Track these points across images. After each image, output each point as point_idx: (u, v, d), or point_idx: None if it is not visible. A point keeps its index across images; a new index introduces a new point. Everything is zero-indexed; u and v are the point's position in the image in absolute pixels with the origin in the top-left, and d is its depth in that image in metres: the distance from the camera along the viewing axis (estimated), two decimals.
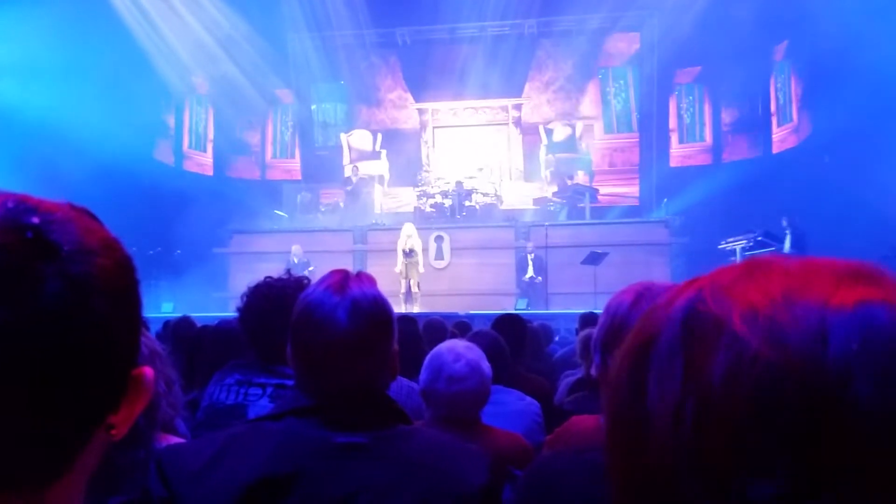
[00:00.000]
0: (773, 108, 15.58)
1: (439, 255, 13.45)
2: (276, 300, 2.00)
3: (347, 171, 16.29)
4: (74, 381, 0.50)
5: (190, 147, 16.98)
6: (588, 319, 5.32)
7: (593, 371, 1.33)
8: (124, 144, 12.41)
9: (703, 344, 0.42)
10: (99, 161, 11.40)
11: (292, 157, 17.85)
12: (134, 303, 0.56)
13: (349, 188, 15.41)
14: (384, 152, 16.95)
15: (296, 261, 12.32)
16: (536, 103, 16.81)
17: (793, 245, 10.98)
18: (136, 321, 0.56)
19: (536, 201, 16.00)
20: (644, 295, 1.24)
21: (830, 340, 0.39)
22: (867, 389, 0.38)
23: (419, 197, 15.29)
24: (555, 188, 15.58)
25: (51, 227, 0.51)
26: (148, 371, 0.57)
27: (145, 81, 14.76)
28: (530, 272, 12.85)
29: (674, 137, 16.55)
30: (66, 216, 0.53)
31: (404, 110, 17.30)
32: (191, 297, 12.34)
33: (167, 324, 4.81)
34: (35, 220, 0.51)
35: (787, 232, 11.12)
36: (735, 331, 0.41)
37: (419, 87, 17.01)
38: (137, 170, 12.93)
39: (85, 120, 11.39)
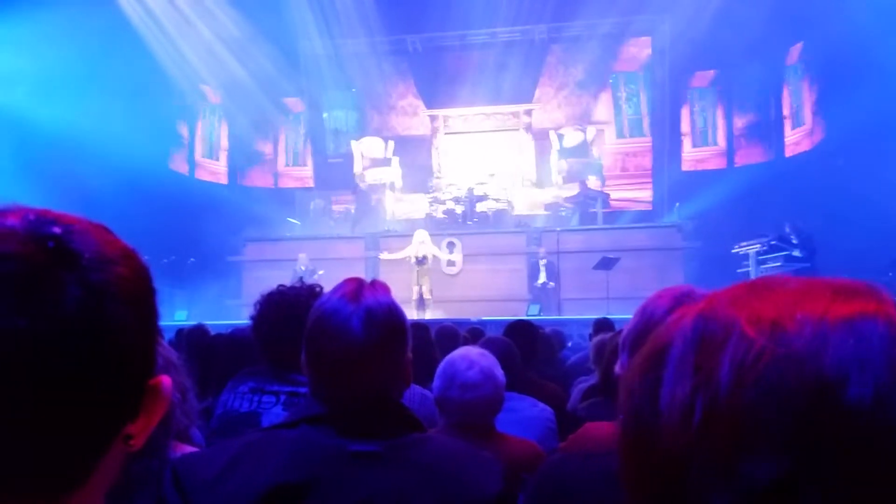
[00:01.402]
0: (786, 111, 15.50)
1: (451, 262, 13.45)
2: (288, 308, 2.01)
3: (359, 178, 16.36)
4: (94, 389, 0.51)
5: (203, 156, 17.09)
6: (602, 325, 5.31)
7: (618, 369, 1.32)
8: (139, 154, 12.51)
9: (712, 346, 0.45)
10: (114, 171, 11.51)
11: (305, 164, 17.91)
12: (151, 311, 0.57)
13: (362, 187, 15.41)
14: (396, 159, 16.97)
15: (302, 268, 12.33)
16: (547, 109, 16.79)
17: (801, 249, 10.89)
18: (153, 330, 0.57)
19: (548, 207, 15.97)
20: (682, 301, 1.23)
21: (830, 343, 0.43)
22: (862, 390, 0.41)
23: (431, 203, 15.30)
24: (566, 193, 15.54)
25: (71, 237, 0.52)
26: (166, 380, 0.58)
27: (159, 91, 14.89)
28: (542, 278, 12.82)
29: (686, 142, 16.48)
30: (86, 228, 0.54)
31: (416, 117, 17.33)
32: (204, 305, 12.40)
33: (181, 332, 4.82)
34: (56, 230, 0.52)
35: (792, 237, 11.03)
36: (742, 331, 0.44)
37: (430, 93, 17.04)
38: (152, 179, 13.04)
39: (100, 130, 11.50)
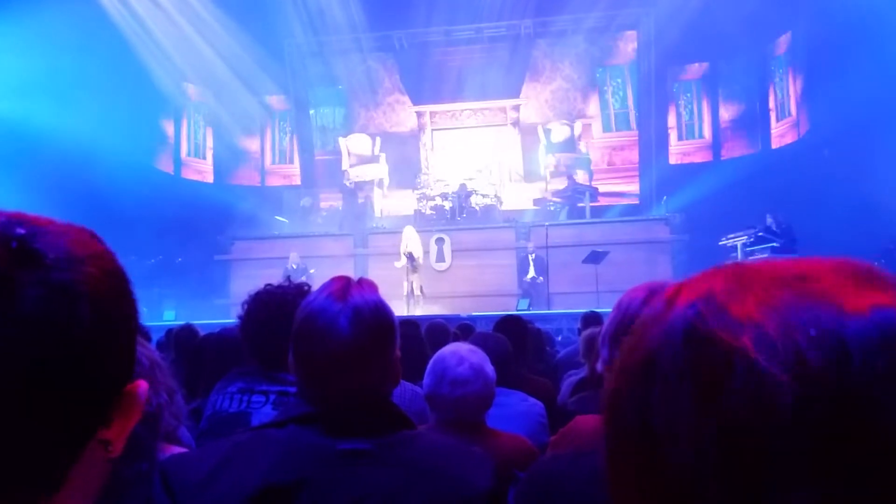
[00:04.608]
0: (771, 103, 15.59)
1: (440, 258, 13.45)
2: (276, 307, 2.00)
3: (346, 176, 16.32)
4: (58, 391, 0.49)
5: (189, 155, 17.00)
6: (590, 319, 5.31)
7: (599, 366, 1.32)
8: (124, 154, 12.46)
9: (713, 369, 0.40)
10: (99, 171, 11.43)
11: (291, 162, 17.86)
12: (125, 315, 0.55)
13: (349, 185, 15.31)
14: (383, 156, 16.96)
15: (294, 267, 12.31)
16: (535, 104, 16.81)
17: (780, 239, 10.97)
18: (126, 334, 0.55)
19: (536, 202, 15.99)
20: (657, 293, 1.24)
21: (854, 359, 0.38)
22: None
23: (419, 199, 15.29)
24: (554, 188, 15.57)
25: (35, 238, 0.51)
26: (142, 385, 0.56)
27: (143, 91, 14.80)
28: (531, 273, 12.84)
29: (673, 135, 16.55)
30: (60, 230, 0.53)
31: (402, 113, 17.31)
32: (193, 304, 12.34)
33: (170, 332, 4.80)
34: (21, 231, 0.51)
35: (772, 226, 11.12)
36: (751, 358, 0.39)
37: (417, 89, 17.01)
38: (138, 179, 12.96)
39: (85, 131, 11.42)
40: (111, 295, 0.53)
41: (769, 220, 11.20)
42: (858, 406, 0.37)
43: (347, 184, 15.40)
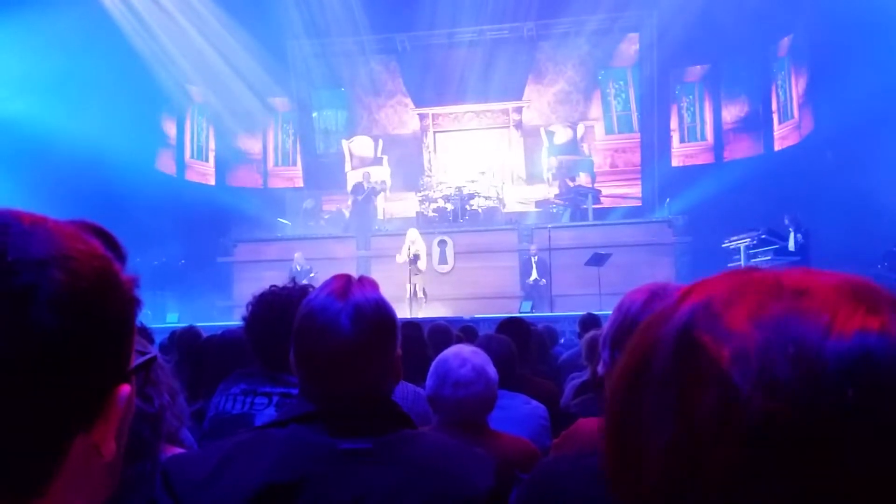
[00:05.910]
0: (774, 105, 15.56)
1: (443, 260, 13.44)
2: (280, 309, 2.00)
3: (355, 177, 16.23)
4: (22, 398, 0.47)
5: (192, 157, 17.02)
6: (588, 321, 5.31)
7: (601, 369, 1.32)
8: (126, 156, 12.47)
9: (695, 377, 0.40)
10: (102, 172, 11.45)
11: (294, 164, 17.86)
12: (106, 319, 0.52)
13: (360, 197, 15.22)
14: (386, 158, 16.96)
15: (298, 268, 12.33)
16: (537, 106, 16.81)
17: (796, 242, 10.94)
18: (109, 338, 0.53)
19: (539, 204, 15.99)
20: (658, 294, 1.24)
21: (825, 383, 0.37)
22: (864, 437, 0.37)
23: (422, 202, 15.28)
24: (557, 190, 15.57)
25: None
26: (124, 389, 0.54)
27: (146, 93, 14.83)
28: (534, 275, 12.83)
29: (675, 137, 16.53)
30: (32, 229, 0.51)
31: (405, 115, 17.31)
32: (196, 306, 12.36)
33: (173, 334, 4.81)
34: None
35: (791, 230, 11.09)
36: (724, 371, 0.39)
37: (419, 92, 17.02)
38: (140, 180, 12.98)
39: (86, 132, 11.44)
40: (83, 300, 0.50)
41: (786, 221, 11.16)
42: (822, 434, 0.37)
43: (365, 185, 15.27)
